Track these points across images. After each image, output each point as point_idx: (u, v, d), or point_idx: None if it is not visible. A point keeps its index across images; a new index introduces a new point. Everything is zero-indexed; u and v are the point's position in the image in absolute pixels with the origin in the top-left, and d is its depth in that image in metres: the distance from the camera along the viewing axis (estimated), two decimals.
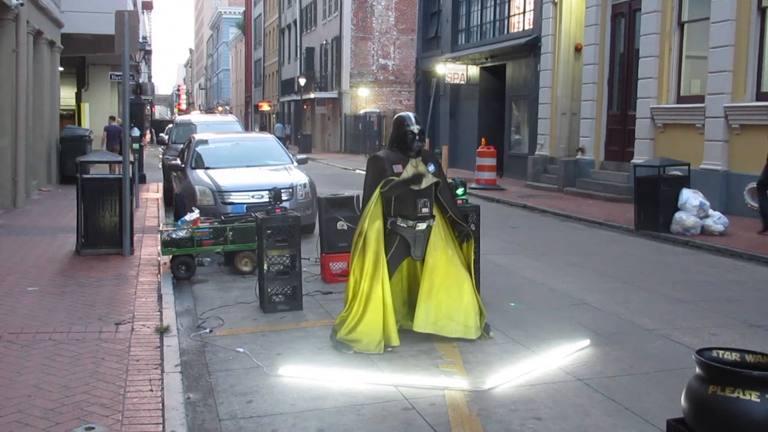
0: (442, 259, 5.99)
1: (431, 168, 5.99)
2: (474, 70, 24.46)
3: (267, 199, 8.57)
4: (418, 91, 30.73)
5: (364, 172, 6.21)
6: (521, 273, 8.86)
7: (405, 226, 5.97)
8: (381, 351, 5.69)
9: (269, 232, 6.99)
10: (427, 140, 6.13)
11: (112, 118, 22.77)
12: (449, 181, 6.46)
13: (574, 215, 13.90)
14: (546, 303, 7.38)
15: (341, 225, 8.30)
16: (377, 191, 5.91)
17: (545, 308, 7.16)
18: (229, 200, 10.53)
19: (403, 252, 6.03)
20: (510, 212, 15.17)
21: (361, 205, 6.09)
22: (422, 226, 5.98)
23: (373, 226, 5.87)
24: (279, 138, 17.07)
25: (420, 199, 5.93)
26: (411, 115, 6.12)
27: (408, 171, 5.91)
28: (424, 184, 5.91)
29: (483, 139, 20.15)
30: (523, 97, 21.91)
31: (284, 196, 9.93)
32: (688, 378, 3.26)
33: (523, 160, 21.10)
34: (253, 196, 10.46)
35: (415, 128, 5.96)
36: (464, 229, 6.16)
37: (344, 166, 29.25)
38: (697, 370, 3.18)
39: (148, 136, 41.08)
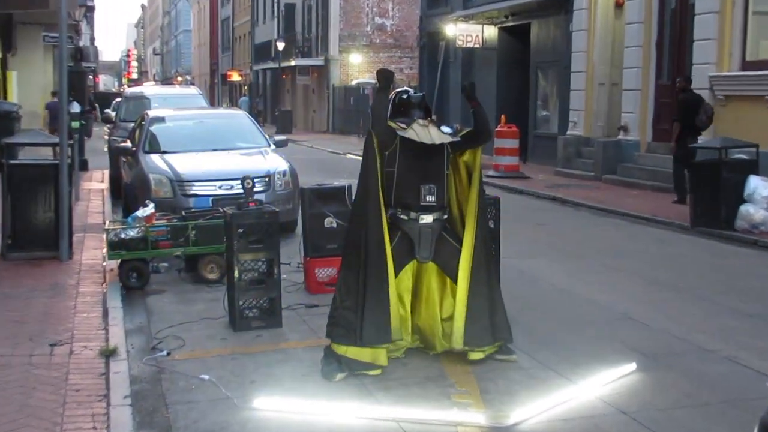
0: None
1: (445, 129, 5.99)
2: (491, 31, 24.42)
3: (238, 191, 8.52)
4: (423, 58, 30.66)
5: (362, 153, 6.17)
6: (550, 280, 8.83)
7: (406, 218, 5.95)
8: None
9: (241, 231, 6.95)
10: (434, 116, 6.31)
11: (54, 94, 22.68)
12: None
13: (614, 209, 13.90)
14: (581, 318, 7.36)
15: (329, 222, 8.27)
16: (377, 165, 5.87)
17: (580, 324, 7.13)
18: (192, 191, 10.51)
19: (406, 252, 6.00)
20: (536, 205, 15.14)
21: (356, 190, 6.05)
22: (427, 218, 5.96)
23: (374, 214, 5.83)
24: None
25: (425, 184, 5.92)
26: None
27: (414, 128, 5.91)
28: (437, 140, 5.91)
29: (502, 117, 20.13)
30: (552, 64, 21.88)
31: (259, 187, 9.93)
32: (761, 411, 3.23)
33: (551, 142, 21.08)
34: (220, 187, 10.44)
35: (403, 90, 6.23)
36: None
37: (333, 150, 29.20)
38: None
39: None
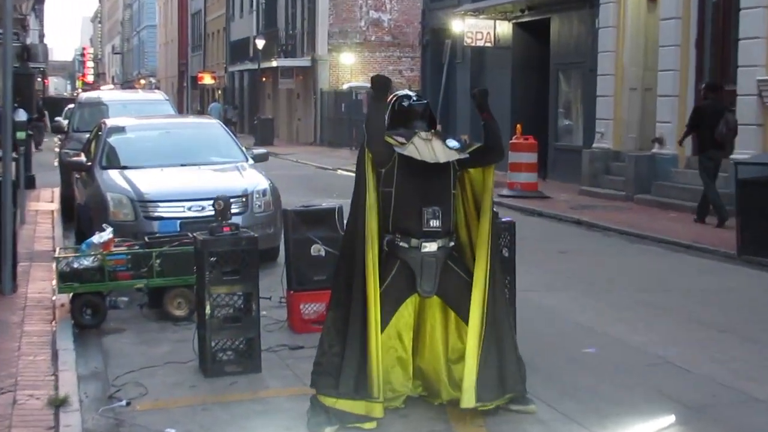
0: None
1: (452, 144, 5.98)
2: (505, 28, 24.53)
3: (210, 213, 8.53)
4: (426, 58, 30.76)
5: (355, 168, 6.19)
6: (574, 318, 8.82)
7: (407, 246, 5.93)
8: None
9: (214, 259, 6.95)
10: (438, 126, 6.33)
11: None
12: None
13: (649, 234, 13.92)
14: (610, 362, 7.35)
15: (317, 250, 8.27)
16: (371, 180, 5.90)
17: (609, 369, 7.13)
18: (156, 214, 10.53)
19: (405, 286, 5.98)
20: (558, 230, 15.14)
21: (350, 210, 6.08)
22: (431, 246, 5.94)
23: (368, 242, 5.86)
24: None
25: (428, 207, 5.91)
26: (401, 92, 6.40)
27: (415, 143, 5.90)
28: (442, 157, 5.90)
29: (518, 127, 20.16)
30: (576, 66, 21.97)
31: (235, 208, 9.93)
32: None
33: (575, 156, 21.12)
34: (190, 208, 10.48)
35: (404, 94, 6.20)
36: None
37: (321, 165, 29.22)
38: None
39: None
